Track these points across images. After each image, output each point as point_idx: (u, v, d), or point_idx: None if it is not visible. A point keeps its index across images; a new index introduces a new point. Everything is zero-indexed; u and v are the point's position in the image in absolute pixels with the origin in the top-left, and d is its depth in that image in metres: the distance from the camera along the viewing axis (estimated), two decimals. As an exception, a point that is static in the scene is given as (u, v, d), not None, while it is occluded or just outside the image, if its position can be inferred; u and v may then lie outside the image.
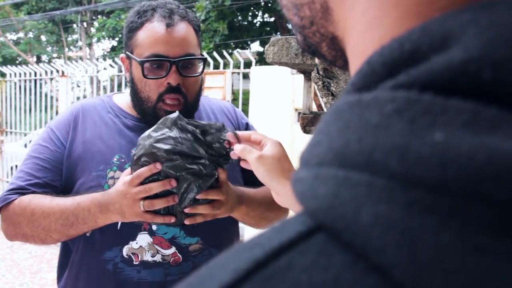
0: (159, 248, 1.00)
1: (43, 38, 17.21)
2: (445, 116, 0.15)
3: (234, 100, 4.11)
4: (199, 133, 0.90)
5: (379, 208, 0.15)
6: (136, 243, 1.00)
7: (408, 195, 0.15)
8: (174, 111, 0.90)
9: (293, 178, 0.19)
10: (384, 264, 0.15)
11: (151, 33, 0.97)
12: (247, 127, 1.16)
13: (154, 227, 1.01)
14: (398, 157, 0.15)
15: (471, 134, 0.15)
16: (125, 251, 1.00)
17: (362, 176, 0.16)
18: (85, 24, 15.51)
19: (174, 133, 0.88)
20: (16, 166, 5.75)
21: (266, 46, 1.64)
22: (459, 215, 0.14)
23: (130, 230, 1.00)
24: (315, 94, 1.77)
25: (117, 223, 1.00)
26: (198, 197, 0.91)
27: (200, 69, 1.03)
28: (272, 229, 0.18)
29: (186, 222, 0.93)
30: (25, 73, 5.39)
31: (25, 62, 14.16)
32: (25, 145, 6.23)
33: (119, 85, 5.49)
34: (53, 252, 4.51)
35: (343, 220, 0.16)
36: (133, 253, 1.00)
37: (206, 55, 3.81)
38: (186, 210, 0.92)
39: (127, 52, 1.03)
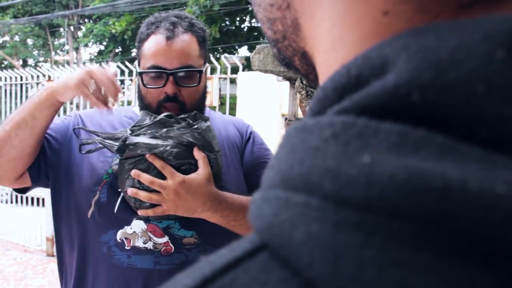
0: (152, 236, 1.03)
1: (29, 41, 17.00)
2: (376, 138, 0.16)
3: (222, 105, 4.12)
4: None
5: (311, 226, 0.16)
6: (131, 228, 1.03)
7: (338, 214, 0.16)
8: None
9: (251, 200, 0.20)
10: (312, 278, 0.15)
11: (153, 45, 1.04)
12: (250, 135, 1.22)
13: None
14: (331, 179, 0.16)
15: (396, 155, 0.15)
16: (119, 235, 1.03)
17: (300, 197, 0.17)
18: (72, 28, 15.39)
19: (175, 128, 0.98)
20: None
21: (251, 54, 1.66)
22: (383, 232, 0.15)
23: (126, 215, 1.03)
24: (301, 101, 1.79)
25: (114, 206, 1.02)
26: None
27: (198, 80, 1.07)
28: (227, 247, 0.19)
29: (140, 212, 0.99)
30: (10, 78, 5.32)
31: (11, 66, 13.99)
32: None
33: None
34: (38, 258, 4.45)
35: (280, 238, 0.17)
36: (126, 238, 1.02)
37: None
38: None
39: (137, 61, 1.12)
